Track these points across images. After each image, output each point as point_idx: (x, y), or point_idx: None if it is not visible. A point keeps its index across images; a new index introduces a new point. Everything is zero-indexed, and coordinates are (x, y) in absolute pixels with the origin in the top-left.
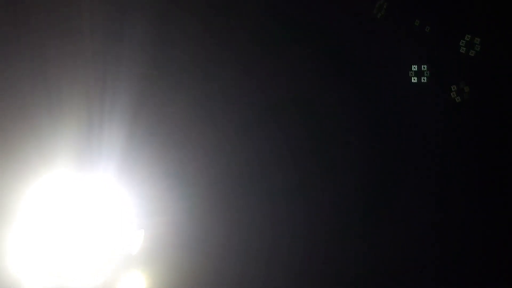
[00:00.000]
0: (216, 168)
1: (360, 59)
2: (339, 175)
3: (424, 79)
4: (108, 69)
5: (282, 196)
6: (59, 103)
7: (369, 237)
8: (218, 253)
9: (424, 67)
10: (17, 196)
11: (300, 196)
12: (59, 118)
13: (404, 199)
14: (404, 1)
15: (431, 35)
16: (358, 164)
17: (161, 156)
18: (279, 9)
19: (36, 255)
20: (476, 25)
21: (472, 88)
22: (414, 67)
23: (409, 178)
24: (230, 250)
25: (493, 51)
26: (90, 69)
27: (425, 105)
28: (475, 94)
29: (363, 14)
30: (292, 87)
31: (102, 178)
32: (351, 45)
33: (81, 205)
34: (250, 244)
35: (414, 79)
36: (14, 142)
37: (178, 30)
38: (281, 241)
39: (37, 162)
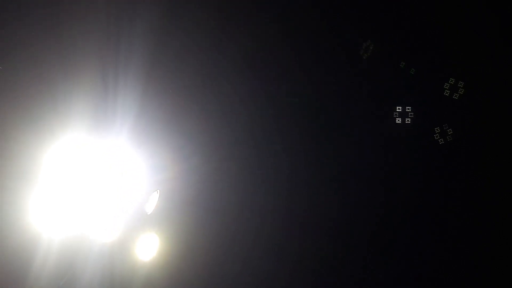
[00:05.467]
0: (231, 129)
1: (345, 98)
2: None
3: (408, 120)
4: (122, 35)
5: (289, 157)
6: (74, 67)
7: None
8: (229, 212)
9: (408, 109)
10: (37, 156)
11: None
12: (75, 82)
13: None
14: (390, 43)
15: (416, 77)
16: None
17: (173, 118)
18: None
19: (56, 208)
20: (460, 69)
21: (455, 130)
22: (399, 108)
23: (392, 215)
24: (241, 209)
25: (476, 95)
26: (104, 35)
27: (408, 145)
28: (458, 136)
29: (350, 55)
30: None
31: (117, 140)
32: (336, 85)
33: (98, 166)
34: (262, 202)
35: (398, 120)
36: (31, 105)
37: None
38: (289, 197)
39: (54, 124)
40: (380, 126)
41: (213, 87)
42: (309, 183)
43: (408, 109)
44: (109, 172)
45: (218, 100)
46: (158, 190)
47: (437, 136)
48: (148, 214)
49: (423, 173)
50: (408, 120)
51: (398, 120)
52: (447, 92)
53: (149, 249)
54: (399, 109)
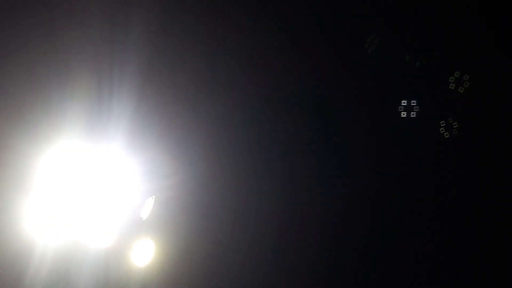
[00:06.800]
0: (225, 134)
1: (349, 92)
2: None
3: (413, 114)
4: (117, 39)
5: (288, 162)
6: (69, 72)
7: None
8: (226, 218)
9: (413, 102)
10: (31, 162)
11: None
12: (69, 87)
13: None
14: (396, 37)
15: (421, 71)
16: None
17: (168, 124)
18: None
19: (49, 215)
20: (466, 62)
21: (461, 124)
22: (404, 102)
23: (396, 211)
24: (237, 215)
25: (481, 88)
26: (99, 39)
27: (413, 139)
28: (464, 130)
29: (355, 48)
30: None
31: (112, 145)
32: (341, 79)
33: (93, 172)
34: (262, 209)
35: (403, 114)
36: (25, 111)
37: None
38: (287, 205)
39: (48, 130)
40: (384, 123)
41: (210, 92)
42: (307, 188)
43: (414, 102)
44: (104, 178)
45: (215, 106)
46: (154, 196)
47: (443, 130)
48: (143, 220)
49: (427, 170)
50: (413, 114)
51: (404, 114)
52: (452, 86)
53: (145, 255)
54: (404, 102)
